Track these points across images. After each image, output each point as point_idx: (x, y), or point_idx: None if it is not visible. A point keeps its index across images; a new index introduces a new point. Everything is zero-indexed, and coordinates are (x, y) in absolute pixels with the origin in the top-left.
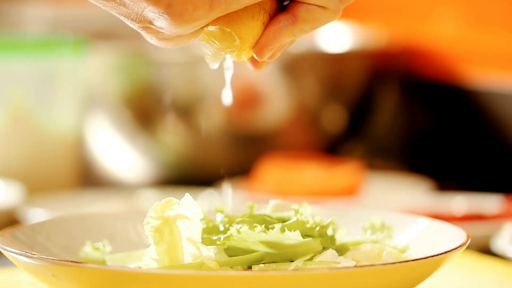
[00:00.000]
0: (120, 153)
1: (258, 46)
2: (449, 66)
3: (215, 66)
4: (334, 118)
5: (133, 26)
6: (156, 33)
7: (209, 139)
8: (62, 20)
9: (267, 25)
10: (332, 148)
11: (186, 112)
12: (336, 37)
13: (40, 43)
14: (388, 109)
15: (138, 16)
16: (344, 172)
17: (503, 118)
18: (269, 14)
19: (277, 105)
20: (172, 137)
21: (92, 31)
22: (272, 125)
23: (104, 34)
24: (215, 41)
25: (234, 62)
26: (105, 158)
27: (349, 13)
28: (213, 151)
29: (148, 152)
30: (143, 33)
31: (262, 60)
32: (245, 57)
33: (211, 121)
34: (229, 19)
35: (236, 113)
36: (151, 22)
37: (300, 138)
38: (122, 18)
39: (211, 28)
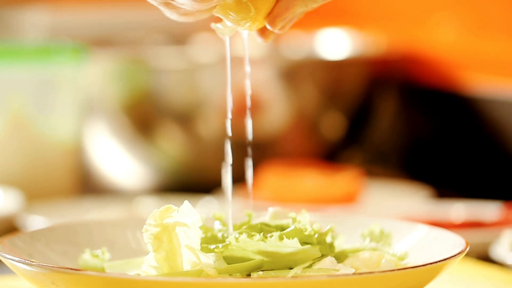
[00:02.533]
0: (119, 160)
1: (271, 16)
2: (448, 73)
3: (226, 38)
4: (333, 125)
5: (154, 2)
6: (176, 8)
7: (207, 146)
8: (61, 27)
9: None
10: (331, 155)
11: (185, 119)
12: (335, 44)
13: (39, 50)
14: (387, 116)
15: None
16: (343, 179)
17: (502, 125)
18: None
19: (276, 112)
20: (171, 144)
21: (91, 38)
22: (271, 132)
23: (103, 41)
24: (231, 13)
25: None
26: (104, 165)
27: (348, 20)
28: (212, 158)
29: (147, 159)
30: (163, 8)
31: (274, 31)
32: (255, 28)
33: (209, 128)
34: None
35: (235, 120)
36: None
37: (299, 145)
38: None
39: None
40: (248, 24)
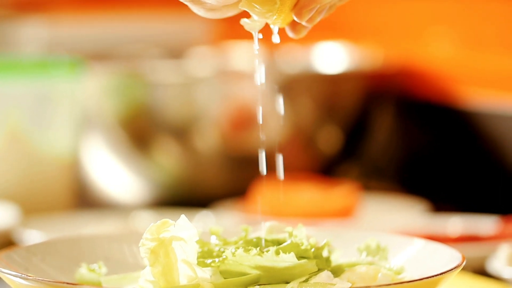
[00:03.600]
0: (115, 174)
1: (298, 7)
2: (444, 87)
3: (255, 32)
4: (330, 139)
5: None
6: (202, 3)
7: (204, 160)
8: (58, 41)
9: None
10: (327, 169)
11: (182, 133)
12: (332, 58)
13: (36, 64)
14: (383, 130)
15: None
16: (340, 193)
17: (499, 139)
18: None
19: (273, 126)
20: (168, 158)
21: (88, 52)
22: (267, 146)
23: (100, 55)
24: (256, 6)
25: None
26: (101, 179)
27: (344, 34)
28: (208, 173)
29: (143, 173)
30: (189, 4)
31: (302, 22)
32: (284, 22)
33: (206, 142)
34: None
35: (232, 134)
36: None
37: (296, 159)
38: None
39: None
40: (274, 17)
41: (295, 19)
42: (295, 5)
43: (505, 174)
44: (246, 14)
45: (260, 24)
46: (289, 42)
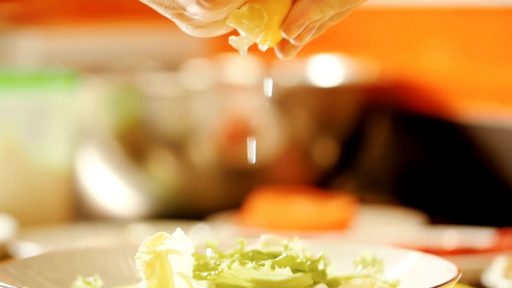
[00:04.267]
0: (111, 187)
1: (286, 22)
2: (440, 100)
3: (243, 51)
4: (326, 152)
5: (167, 14)
6: (190, 20)
7: (200, 173)
8: (54, 54)
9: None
10: (323, 182)
11: (178, 145)
12: (328, 71)
13: (32, 77)
14: (379, 143)
15: (171, 2)
16: (335, 206)
17: (495, 152)
18: None
19: (269, 139)
20: (164, 171)
21: (84, 65)
22: (263, 159)
23: (95, 67)
24: (244, 21)
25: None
26: (97, 192)
27: (340, 47)
28: (204, 185)
29: (139, 186)
30: (177, 21)
31: (290, 40)
32: (272, 41)
33: (202, 155)
34: None
35: (227, 147)
36: (184, 8)
37: (291, 172)
38: (155, 6)
39: (240, 9)
40: (263, 33)
41: (284, 36)
42: (284, 21)
43: (501, 186)
44: (235, 33)
45: (248, 42)
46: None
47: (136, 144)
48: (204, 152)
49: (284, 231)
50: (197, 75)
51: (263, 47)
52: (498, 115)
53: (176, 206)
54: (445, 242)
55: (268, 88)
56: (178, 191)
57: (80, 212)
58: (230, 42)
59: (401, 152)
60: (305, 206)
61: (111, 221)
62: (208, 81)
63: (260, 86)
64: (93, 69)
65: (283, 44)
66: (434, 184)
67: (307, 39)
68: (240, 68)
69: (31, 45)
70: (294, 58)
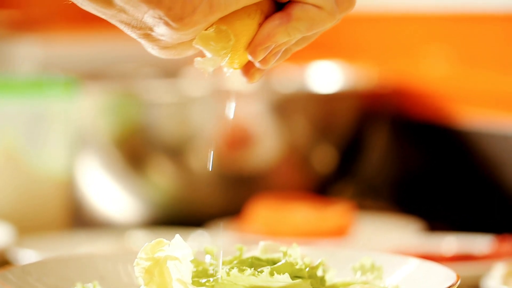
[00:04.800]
0: (110, 193)
1: (252, 45)
2: (439, 106)
3: (208, 72)
4: (324, 159)
5: (134, 34)
6: (157, 41)
7: (199, 180)
8: (53, 61)
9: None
10: (322, 188)
11: (176, 152)
12: (326, 77)
13: (31, 83)
14: (378, 149)
15: (138, 22)
16: (334, 212)
17: (493, 158)
18: (265, 16)
19: (267, 145)
20: (162, 177)
21: (83, 72)
22: (262, 166)
23: (94, 74)
24: (211, 42)
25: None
26: (96, 199)
27: (339, 53)
28: (203, 192)
29: (138, 192)
30: (144, 42)
31: (256, 63)
32: (238, 64)
33: (201, 161)
34: (225, 17)
35: (226, 154)
36: (151, 29)
37: (290, 178)
38: (122, 26)
39: (207, 30)
40: (229, 55)
41: (250, 58)
42: (250, 43)
43: (500, 193)
44: (202, 54)
45: (213, 63)
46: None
47: (135, 150)
48: (202, 159)
49: (283, 237)
50: (196, 81)
51: (228, 70)
52: (496, 121)
53: (175, 212)
54: (444, 249)
55: (230, 111)
56: (177, 198)
57: (79, 218)
58: (195, 64)
59: (400, 159)
60: (304, 213)
61: (110, 228)
62: (206, 87)
63: (259, 92)
64: (92, 75)
65: (248, 68)
66: (433, 190)
67: (272, 62)
68: (238, 75)
69: (30, 51)
70: (293, 64)
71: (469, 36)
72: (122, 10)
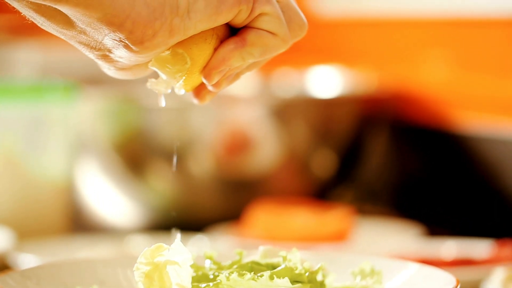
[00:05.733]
0: (110, 198)
1: (207, 68)
2: (438, 111)
3: (161, 97)
4: (324, 163)
5: (91, 55)
6: (114, 62)
7: (199, 185)
8: (52, 66)
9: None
10: (322, 193)
11: (176, 157)
12: (326, 82)
13: (30, 88)
14: (378, 154)
15: (97, 43)
16: (334, 217)
17: (493, 163)
18: (220, 40)
19: (267, 150)
20: (162, 182)
21: (82, 77)
22: (262, 171)
23: (94, 79)
24: (167, 65)
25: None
26: (95, 204)
27: (338, 58)
28: (203, 197)
29: (138, 197)
30: (100, 62)
31: (208, 86)
32: (191, 86)
33: (201, 166)
34: (182, 41)
35: (226, 158)
36: (110, 51)
37: (290, 183)
38: (80, 47)
39: (163, 53)
40: (183, 77)
41: (204, 81)
42: (205, 67)
43: (499, 197)
44: (156, 75)
45: (167, 85)
46: (284, 66)
47: (135, 155)
48: (202, 164)
49: (282, 242)
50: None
51: (180, 91)
52: (496, 126)
53: (175, 217)
54: (444, 253)
55: (174, 163)
56: (177, 202)
57: (78, 223)
58: (148, 85)
59: (400, 163)
60: (304, 217)
61: (109, 232)
62: None
63: (258, 97)
64: (91, 80)
65: (199, 90)
66: (433, 195)
67: (224, 85)
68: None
69: (29, 56)
70: (293, 69)
71: (468, 41)
72: (82, 32)
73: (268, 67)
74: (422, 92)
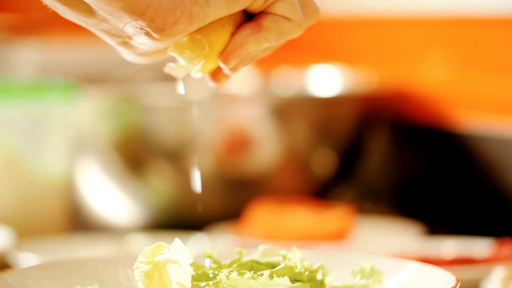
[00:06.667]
0: (110, 197)
1: (225, 53)
2: (439, 110)
3: (180, 83)
4: (324, 162)
5: (111, 41)
6: (134, 48)
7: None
8: (52, 65)
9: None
10: (322, 192)
11: (176, 156)
12: (326, 81)
13: (30, 88)
14: (378, 153)
15: (119, 31)
16: (334, 216)
17: (493, 162)
18: (237, 25)
19: (267, 149)
20: (162, 181)
21: (82, 76)
22: (262, 170)
23: (94, 78)
24: (185, 50)
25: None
26: (95, 203)
27: (338, 57)
28: (203, 196)
29: (138, 196)
30: (121, 48)
31: (225, 70)
32: (209, 70)
33: (201, 165)
34: (200, 27)
35: (226, 157)
36: (130, 38)
37: (290, 182)
38: (101, 34)
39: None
40: (201, 62)
41: (221, 65)
42: (223, 51)
43: (499, 196)
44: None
45: (185, 70)
46: (284, 65)
47: (135, 154)
48: (203, 163)
49: (282, 241)
50: (195, 85)
51: (197, 75)
52: (496, 125)
53: (175, 216)
54: (444, 252)
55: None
56: (177, 201)
57: (78, 222)
58: (166, 70)
59: (400, 162)
60: (304, 216)
61: (109, 231)
62: (206, 91)
63: (258, 96)
64: (91, 79)
65: (216, 73)
66: (433, 194)
67: (240, 69)
68: (238, 79)
69: (29, 55)
70: (293, 68)
71: (469, 40)
72: (104, 20)
73: (268, 66)
74: (423, 91)
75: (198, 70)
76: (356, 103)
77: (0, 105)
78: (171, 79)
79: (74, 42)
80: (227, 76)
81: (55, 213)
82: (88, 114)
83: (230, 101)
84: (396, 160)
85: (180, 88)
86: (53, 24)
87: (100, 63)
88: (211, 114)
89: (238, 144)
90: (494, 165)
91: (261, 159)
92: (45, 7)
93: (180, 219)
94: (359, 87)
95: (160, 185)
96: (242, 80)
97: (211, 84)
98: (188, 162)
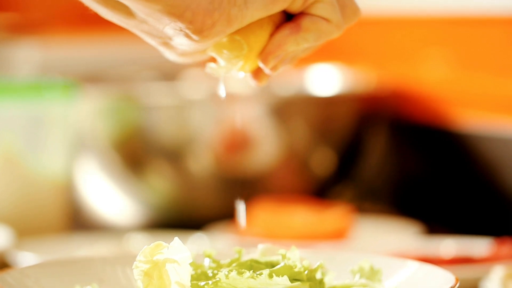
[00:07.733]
0: (109, 196)
1: (264, 53)
2: (438, 109)
3: (220, 77)
4: (323, 162)
5: (152, 42)
6: (175, 49)
7: (198, 183)
8: (52, 64)
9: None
10: (321, 191)
11: (175, 155)
12: (325, 80)
13: (29, 87)
14: (377, 152)
15: (159, 32)
16: (333, 215)
17: (492, 161)
18: (276, 26)
19: (266, 148)
20: (161, 180)
21: (82, 75)
22: (261, 169)
23: (93, 77)
24: (224, 51)
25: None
26: (95, 202)
27: (338, 56)
28: (202, 195)
29: (137, 195)
30: (162, 49)
31: (265, 69)
32: (248, 70)
33: (200, 164)
34: (240, 28)
35: (225, 157)
36: (170, 38)
37: (289, 181)
38: (142, 35)
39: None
40: (241, 62)
41: (261, 65)
42: (262, 51)
43: (499, 196)
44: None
45: (225, 70)
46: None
47: (134, 153)
48: (202, 162)
49: (282, 240)
50: (195, 84)
51: (239, 74)
52: (496, 124)
53: (174, 215)
54: (443, 251)
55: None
56: (176, 201)
57: (78, 221)
58: (207, 70)
59: (399, 162)
60: (303, 216)
61: (109, 231)
62: (206, 90)
63: (258, 95)
64: (91, 79)
65: (257, 72)
66: (432, 193)
67: (280, 68)
68: (237, 78)
69: (29, 55)
70: (292, 67)
71: (468, 39)
72: (144, 22)
73: None
74: (422, 90)
75: (238, 69)
76: (355, 102)
77: (0, 105)
78: (170, 78)
79: (73, 41)
80: (268, 75)
81: (55, 212)
82: (87, 113)
83: (229, 100)
84: (396, 159)
85: (221, 89)
86: (52, 24)
87: (100, 62)
88: (210, 113)
89: (237, 143)
90: (493, 165)
91: (260, 158)
92: (45, 7)
93: (179, 218)
94: (359, 86)
95: (160, 184)
96: (241, 80)
97: (253, 83)
98: (188, 161)
